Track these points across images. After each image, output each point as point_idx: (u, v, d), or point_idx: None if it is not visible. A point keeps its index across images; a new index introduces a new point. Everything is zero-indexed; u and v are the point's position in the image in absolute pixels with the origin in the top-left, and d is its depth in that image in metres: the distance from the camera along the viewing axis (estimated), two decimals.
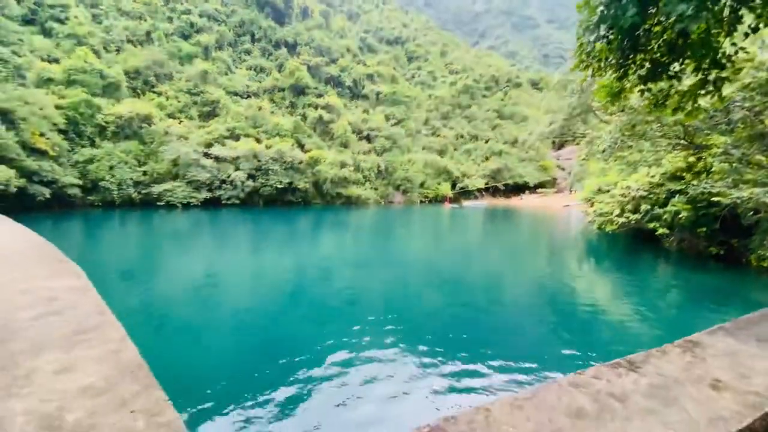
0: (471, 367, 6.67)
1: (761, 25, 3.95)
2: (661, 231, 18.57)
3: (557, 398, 1.38)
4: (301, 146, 51.22)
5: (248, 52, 63.52)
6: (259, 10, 67.42)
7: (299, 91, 60.81)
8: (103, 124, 37.97)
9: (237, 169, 43.71)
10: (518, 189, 68.06)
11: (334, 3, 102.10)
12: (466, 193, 62.20)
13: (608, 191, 22.96)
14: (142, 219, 30.65)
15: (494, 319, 9.86)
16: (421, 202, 58.03)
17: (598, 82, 5.23)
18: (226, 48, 60.62)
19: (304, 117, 57.08)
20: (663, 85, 4.78)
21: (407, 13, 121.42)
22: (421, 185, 58.57)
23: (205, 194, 41.57)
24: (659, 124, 17.14)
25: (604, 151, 18.56)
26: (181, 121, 45.28)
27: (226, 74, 56.67)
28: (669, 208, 18.19)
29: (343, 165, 50.19)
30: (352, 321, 9.05)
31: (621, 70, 4.48)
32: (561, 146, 74.19)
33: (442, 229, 33.09)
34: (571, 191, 60.69)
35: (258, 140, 48.34)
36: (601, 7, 3.45)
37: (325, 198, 49.51)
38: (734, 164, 14.72)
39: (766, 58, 11.86)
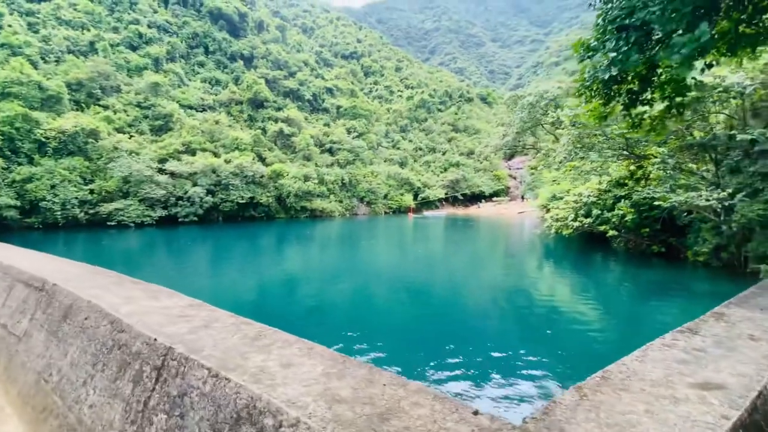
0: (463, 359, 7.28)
1: (714, 63, 5.02)
2: (610, 233, 20.48)
3: (661, 353, 1.92)
4: (262, 160, 50.27)
5: (202, 65, 61.56)
6: (212, 23, 65.78)
7: (258, 104, 59.82)
8: (43, 139, 34.94)
9: (195, 185, 41.97)
10: (475, 198, 71.22)
11: (288, 17, 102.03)
12: (427, 203, 64.03)
13: (562, 198, 24.91)
14: (90, 241, 28.43)
15: (476, 317, 10.59)
16: (386, 213, 58.90)
17: (585, 106, 6.18)
18: (178, 60, 58.33)
19: (264, 130, 56.14)
20: (639, 110, 5.79)
21: (361, 29, 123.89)
22: (385, 196, 59.59)
23: (160, 212, 39.41)
24: (604, 137, 19.13)
25: (561, 162, 20.34)
26: (131, 136, 42.77)
27: (179, 87, 54.47)
28: (616, 211, 20.18)
29: (306, 178, 49.90)
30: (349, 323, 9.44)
31: (606, 98, 5.44)
32: (511, 157, 78.80)
33: (413, 238, 33.92)
34: (523, 199, 64.49)
35: (216, 155, 46.80)
36: (612, 53, 4.26)
37: (288, 212, 48.79)
38: (669, 171, 16.78)
39: (697, 79, 13.84)
